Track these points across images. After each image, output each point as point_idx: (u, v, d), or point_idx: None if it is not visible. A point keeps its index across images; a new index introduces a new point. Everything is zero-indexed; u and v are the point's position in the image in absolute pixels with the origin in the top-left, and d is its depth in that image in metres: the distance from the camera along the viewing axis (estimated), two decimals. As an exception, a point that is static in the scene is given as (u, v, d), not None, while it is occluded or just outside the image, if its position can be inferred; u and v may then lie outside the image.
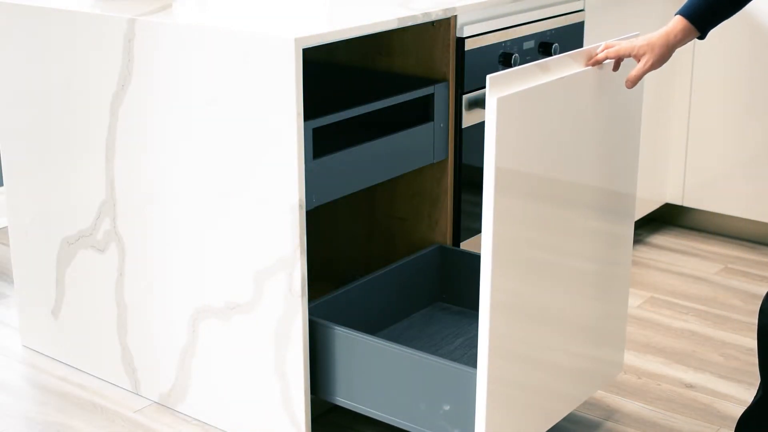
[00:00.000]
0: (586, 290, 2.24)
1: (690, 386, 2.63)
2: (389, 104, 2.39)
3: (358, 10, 2.41)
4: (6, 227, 3.67)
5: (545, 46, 2.77)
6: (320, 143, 2.23)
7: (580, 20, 2.92)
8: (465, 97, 2.57)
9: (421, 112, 2.50)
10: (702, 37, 2.08)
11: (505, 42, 2.65)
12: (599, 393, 2.60)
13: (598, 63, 2.12)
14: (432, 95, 2.47)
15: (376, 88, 2.46)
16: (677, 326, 2.97)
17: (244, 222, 2.25)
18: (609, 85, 2.16)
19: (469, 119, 2.60)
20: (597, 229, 2.23)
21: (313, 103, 2.29)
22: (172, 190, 2.36)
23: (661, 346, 2.86)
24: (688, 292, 3.18)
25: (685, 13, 2.05)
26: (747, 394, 2.60)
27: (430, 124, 2.51)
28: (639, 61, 2.08)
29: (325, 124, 2.23)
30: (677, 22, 2.06)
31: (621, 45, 2.10)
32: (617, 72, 2.16)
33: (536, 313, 2.09)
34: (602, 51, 2.12)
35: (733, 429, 2.31)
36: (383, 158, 2.41)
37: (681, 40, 2.07)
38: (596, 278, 2.27)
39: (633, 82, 2.10)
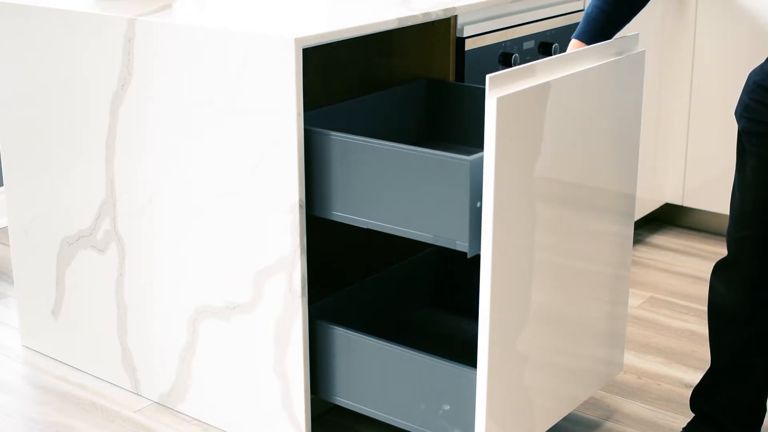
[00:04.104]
0: (586, 290, 2.24)
1: (690, 386, 2.62)
2: None
3: (358, 10, 2.41)
4: (6, 227, 3.67)
5: (545, 46, 2.77)
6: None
7: (579, 20, 2.92)
8: (465, 97, 2.57)
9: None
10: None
11: (505, 42, 2.65)
12: (599, 393, 2.59)
13: None
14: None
15: (376, 88, 2.46)
16: (677, 326, 2.97)
17: (244, 222, 2.25)
18: (609, 85, 2.16)
19: (469, 119, 2.60)
20: (597, 229, 2.23)
21: (312, 103, 2.29)
22: (172, 190, 2.36)
23: (661, 346, 2.85)
24: (688, 292, 3.18)
25: (579, 36, 2.21)
26: (747, 394, 2.60)
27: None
28: None
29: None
30: (574, 46, 2.21)
31: None
32: (618, 72, 2.17)
33: (536, 313, 2.08)
34: None
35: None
36: None
37: None
38: (596, 278, 2.27)
39: None
